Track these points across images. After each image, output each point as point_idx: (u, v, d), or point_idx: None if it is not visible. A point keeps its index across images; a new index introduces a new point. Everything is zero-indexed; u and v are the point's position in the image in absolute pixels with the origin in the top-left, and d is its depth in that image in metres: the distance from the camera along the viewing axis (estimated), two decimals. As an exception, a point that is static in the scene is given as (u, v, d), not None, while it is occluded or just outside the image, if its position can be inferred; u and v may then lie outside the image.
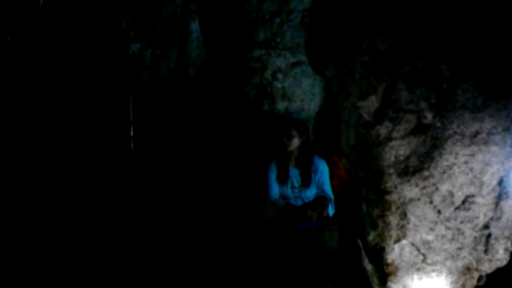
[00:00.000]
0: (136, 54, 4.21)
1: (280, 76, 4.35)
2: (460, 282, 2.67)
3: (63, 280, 3.42)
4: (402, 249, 2.63)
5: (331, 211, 3.93)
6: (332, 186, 4.03)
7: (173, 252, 3.99)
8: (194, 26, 4.42)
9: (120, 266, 3.63)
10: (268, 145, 4.23)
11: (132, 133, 3.96)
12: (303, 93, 4.37)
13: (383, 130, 2.56)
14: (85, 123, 3.93)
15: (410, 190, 2.59)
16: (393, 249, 2.64)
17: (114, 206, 3.73)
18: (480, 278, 2.73)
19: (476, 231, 2.61)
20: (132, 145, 3.99)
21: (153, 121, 4.28)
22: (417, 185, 2.59)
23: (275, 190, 3.96)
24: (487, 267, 2.68)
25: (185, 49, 4.42)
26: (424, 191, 2.59)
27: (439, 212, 2.60)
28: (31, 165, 3.70)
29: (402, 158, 2.57)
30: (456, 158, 2.56)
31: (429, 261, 2.64)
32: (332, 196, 3.97)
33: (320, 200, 3.91)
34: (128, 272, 3.61)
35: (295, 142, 3.93)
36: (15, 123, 3.68)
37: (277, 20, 4.29)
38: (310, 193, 3.95)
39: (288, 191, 3.96)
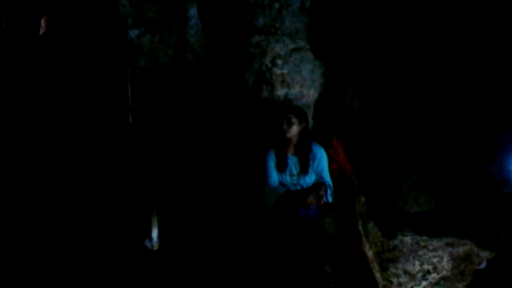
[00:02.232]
0: (134, 41, 4.19)
1: (279, 62, 4.32)
2: (461, 268, 2.69)
3: (63, 281, 3.42)
4: (404, 235, 2.64)
5: (329, 197, 3.94)
6: (331, 171, 4.02)
7: (172, 240, 3.99)
8: (193, 11, 4.39)
9: (119, 265, 3.63)
10: (267, 132, 4.22)
11: (131, 120, 3.95)
12: (303, 80, 4.34)
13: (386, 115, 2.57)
14: (83, 111, 3.91)
15: (411, 177, 2.59)
16: (395, 235, 2.65)
17: (114, 194, 3.73)
18: (480, 262, 2.75)
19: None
20: (130, 132, 3.99)
21: (151, 108, 4.26)
22: (417, 172, 2.60)
23: (274, 177, 3.96)
24: (487, 253, 2.70)
25: (183, 35, 4.40)
26: (425, 178, 2.60)
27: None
28: (25, 153, 3.68)
29: (403, 143, 2.58)
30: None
31: (430, 247, 2.65)
32: (331, 183, 3.97)
33: (319, 185, 3.92)
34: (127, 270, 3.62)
35: (294, 129, 3.93)
36: (9, 111, 3.65)
37: (276, 5, 4.25)
38: (309, 180, 3.96)
39: (287, 178, 3.96)
